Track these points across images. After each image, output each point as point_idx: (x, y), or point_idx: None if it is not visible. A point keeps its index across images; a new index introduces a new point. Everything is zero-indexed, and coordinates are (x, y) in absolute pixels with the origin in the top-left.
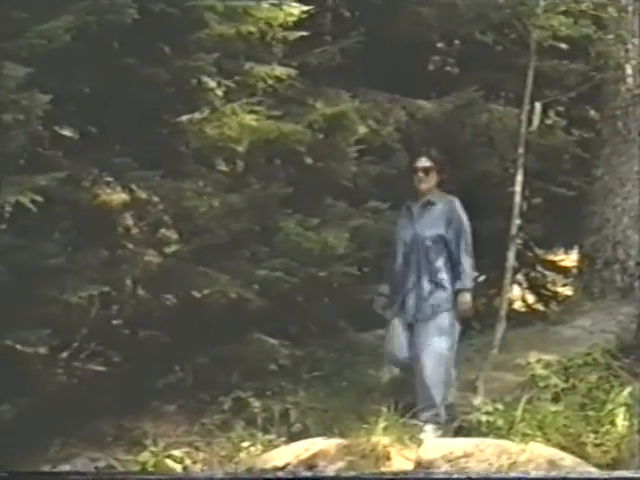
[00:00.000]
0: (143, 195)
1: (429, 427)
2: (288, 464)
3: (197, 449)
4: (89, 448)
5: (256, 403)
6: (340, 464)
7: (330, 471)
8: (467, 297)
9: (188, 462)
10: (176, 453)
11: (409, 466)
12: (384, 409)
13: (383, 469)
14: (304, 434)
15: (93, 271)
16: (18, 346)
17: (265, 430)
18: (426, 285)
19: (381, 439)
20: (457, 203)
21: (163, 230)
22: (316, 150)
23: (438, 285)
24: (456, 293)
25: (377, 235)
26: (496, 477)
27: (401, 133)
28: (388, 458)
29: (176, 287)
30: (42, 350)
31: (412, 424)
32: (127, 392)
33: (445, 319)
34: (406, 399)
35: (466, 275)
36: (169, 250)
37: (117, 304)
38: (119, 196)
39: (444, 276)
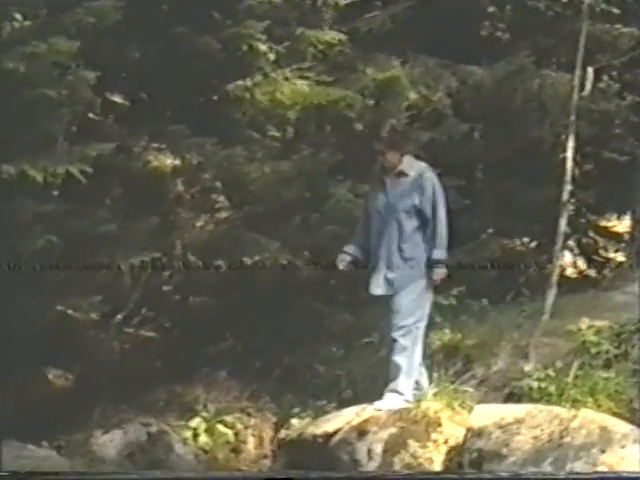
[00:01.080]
0: (194, 161)
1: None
2: (339, 430)
3: (249, 415)
4: (141, 414)
5: (307, 370)
6: (391, 430)
7: (382, 436)
8: (442, 269)
9: (240, 427)
10: (228, 419)
11: (460, 432)
12: (435, 375)
13: (434, 435)
14: (355, 400)
15: (144, 237)
16: (70, 312)
17: (316, 396)
18: (397, 257)
19: (431, 405)
20: (430, 171)
21: (214, 196)
22: (366, 116)
23: (410, 258)
24: (430, 264)
25: None
26: (492, 477)
27: (452, 99)
28: (439, 424)
29: (227, 253)
30: (94, 316)
31: (463, 390)
32: (178, 358)
33: (415, 290)
34: (457, 365)
35: (441, 246)
36: (220, 217)
37: (168, 270)
38: (170, 162)
39: (417, 246)
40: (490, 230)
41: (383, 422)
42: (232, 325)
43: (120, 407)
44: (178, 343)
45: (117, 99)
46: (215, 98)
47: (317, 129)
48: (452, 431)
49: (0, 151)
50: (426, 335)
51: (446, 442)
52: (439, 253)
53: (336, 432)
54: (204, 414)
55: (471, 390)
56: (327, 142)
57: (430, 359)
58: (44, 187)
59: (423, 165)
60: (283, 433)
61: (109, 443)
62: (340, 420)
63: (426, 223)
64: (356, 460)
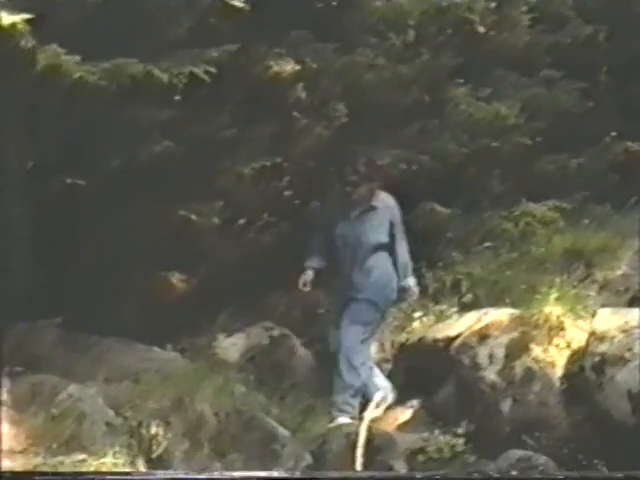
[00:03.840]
0: (314, 67)
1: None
2: (460, 334)
3: None
4: (263, 318)
5: (427, 274)
6: (513, 334)
7: (503, 341)
8: (415, 291)
9: None
10: None
11: (583, 336)
12: (557, 280)
13: (556, 340)
14: (475, 305)
15: (265, 142)
16: (193, 217)
17: (436, 301)
18: (367, 282)
19: (554, 309)
20: (392, 201)
21: (333, 102)
22: (488, 19)
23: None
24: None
25: (550, 105)
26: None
27: (575, 1)
28: (562, 329)
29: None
30: (216, 221)
31: (585, 295)
32: (299, 263)
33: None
34: (579, 270)
35: (409, 275)
36: (339, 122)
37: (288, 175)
38: (291, 68)
39: (386, 272)
40: (613, 133)
41: (505, 327)
42: None
43: (242, 312)
44: (298, 248)
45: (237, 3)
46: (334, 3)
47: (437, 32)
48: (575, 335)
49: (123, 55)
50: (548, 241)
51: (568, 346)
52: (410, 281)
53: (457, 336)
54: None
55: (593, 294)
56: (447, 46)
57: (552, 264)
58: (166, 90)
59: (389, 198)
60: (404, 337)
61: (232, 347)
62: (461, 324)
63: (392, 252)
64: (477, 364)
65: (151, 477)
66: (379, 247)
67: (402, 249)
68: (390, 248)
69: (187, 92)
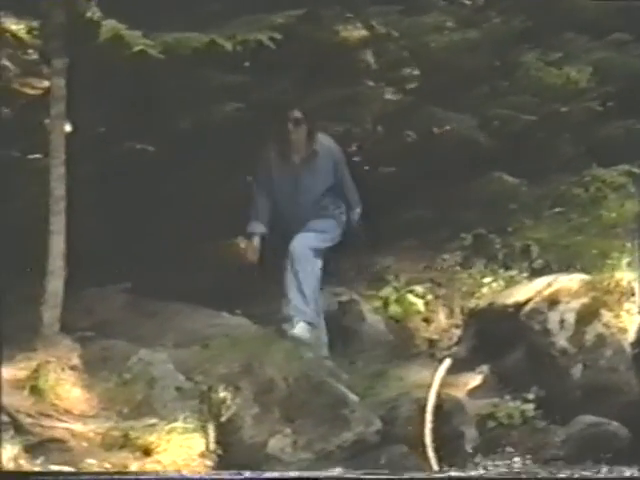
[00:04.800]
0: (383, 31)
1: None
2: (530, 300)
3: (439, 285)
4: (331, 283)
5: (497, 239)
6: (583, 300)
7: (574, 306)
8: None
9: (430, 297)
10: (418, 288)
11: None
12: (628, 245)
13: (627, 305)
14: (545, 270)
15: (333, 108)
16: None
17: (506, 266)
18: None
19: (625, 275)
20: (332, 142)
21: (403, 67)
22: None
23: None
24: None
25: (621, 68)
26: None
27: None
28: (633, 294)
29: (416, 124)
30: None
31: None
32: (368, 228)
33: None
34: None
35: (355, 211)
36: (409, 87)
37: (357, 141)
38: (359, 32)
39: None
40: None
41: (575, 292)
42: (422, 194)
43: None
44: (368, 213)
45: None
46: None
47: None
48: None
49: (189, 20)
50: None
51: None
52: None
53: (527, 302)
54: (394, 284)
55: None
56: (517, 9)
57: (624, 229)
58: (231, 58)
59: (327, 139)
60: (473, 303)
61: None
62: (531, 289)
63: (341, 189)
64: (548, 330)
65: (155, 477)
66: (328, 191)
67: (349, 187)
68: (339, 189)
69: (255, 58)
